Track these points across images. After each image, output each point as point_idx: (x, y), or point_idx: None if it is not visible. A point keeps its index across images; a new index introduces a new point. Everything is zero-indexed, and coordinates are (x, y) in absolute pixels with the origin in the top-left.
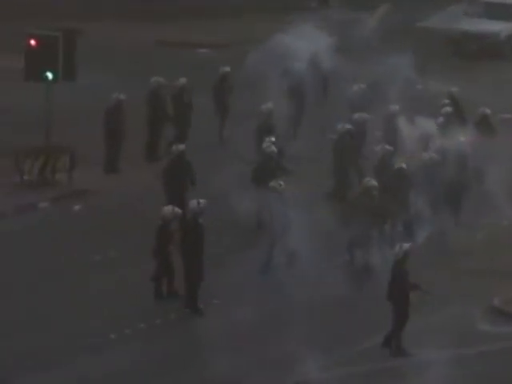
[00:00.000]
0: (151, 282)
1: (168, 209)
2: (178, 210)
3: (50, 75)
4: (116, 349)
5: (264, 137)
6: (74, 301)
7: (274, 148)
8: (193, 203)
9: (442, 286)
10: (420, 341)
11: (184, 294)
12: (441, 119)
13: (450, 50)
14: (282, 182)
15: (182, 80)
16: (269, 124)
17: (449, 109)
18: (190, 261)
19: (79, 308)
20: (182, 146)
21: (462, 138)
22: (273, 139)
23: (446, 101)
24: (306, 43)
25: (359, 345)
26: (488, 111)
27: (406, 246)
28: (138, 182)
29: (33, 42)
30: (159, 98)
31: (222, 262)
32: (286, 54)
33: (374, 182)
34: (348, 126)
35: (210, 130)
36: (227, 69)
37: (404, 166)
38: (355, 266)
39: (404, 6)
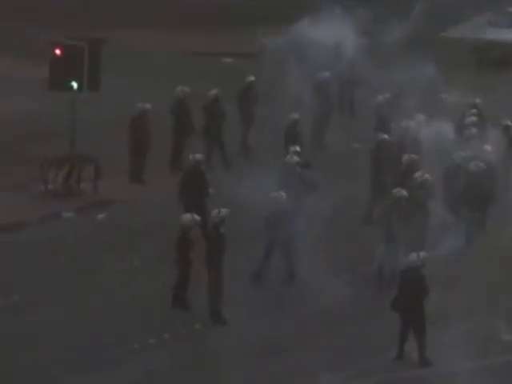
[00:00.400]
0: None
1: (187, 216)
2: (197, 217)
3: (74, 85)
4: (139, 359)
5: (289, 147)
6: (98, 310)
7: (296, 158)
8: (214, 212)
9: (465, 297)
10: (444, 351)
11: (208, 304)
12: (470, 129)
13: (474, 59)
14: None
15: (214, 91)
16: (294, 134)
17: (474, 118)
18: (213, 271)
19: (103, 318)
20: (198, 156)
21: (489, 147)
22: (297, 148)
23: (473, 110)
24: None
25: (384, 355)
26: (510, 122)
27: (423, 253)
28: (162, 192)
29: (58, 51)
30: (184, 108)
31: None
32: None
33: (404, 193)
34: (385, 136)
35: (236, 139)
36: (252, 78)
37: (428, 176)
38: (382, 275)
39: (428, 15)
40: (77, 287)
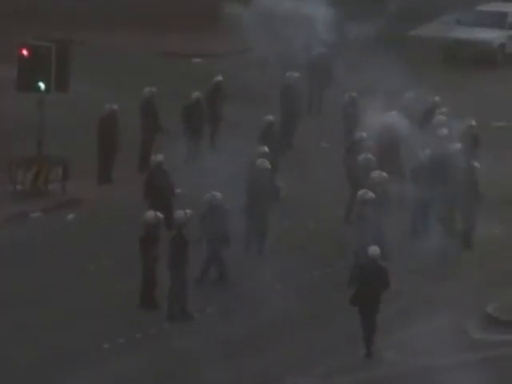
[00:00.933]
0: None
1: (150, 213)
2: (160, 214)
3: (42, 86)
4: (110, 359)
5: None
6: (67, 311)
7: (267, 164)
8: (179, 213)
9: (435, 293)
10: (412, 349)
11: (167, 305)
12: (441, 129)
13: (443, 58)
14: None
15: (196, 93)
16: (269, 136)
17: (444, 118)
18: (175, 272)
19: (73, 318)
20: (159, 157)
21: (459, 145)
22: (266, 149)
23: (442, 109)
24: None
25: (352, 354)
26: (473, 122)
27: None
28: (131, 193)
29: (25, 52)
30: (152, 108)
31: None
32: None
33: (372, 195)
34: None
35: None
36: (220, 78)
37: (385, 176)
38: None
39: (395, 14)
40: (45, 288)
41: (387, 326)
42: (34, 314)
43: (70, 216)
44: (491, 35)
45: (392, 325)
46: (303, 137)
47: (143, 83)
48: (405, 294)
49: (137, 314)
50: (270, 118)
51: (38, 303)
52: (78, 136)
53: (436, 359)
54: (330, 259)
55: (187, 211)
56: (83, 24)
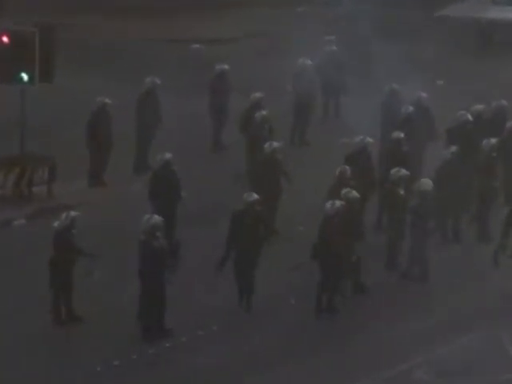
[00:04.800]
0: (135, 304)
1: (157, 218)
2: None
3: (24, 77)
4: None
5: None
6: (53, 328)
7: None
8: (145, 218)
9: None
10: (442, 368)
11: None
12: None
13: (475, 41)
14: None
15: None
16: (264, 133)
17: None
18: (148, 284)
19: (60, 336)
20: (168, 155)
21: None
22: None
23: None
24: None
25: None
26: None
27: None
28: (125, 197)
29: (5, 39)
30: (153, 101)
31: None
32: None
33: (355, 193)
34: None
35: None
36: (225, 66)
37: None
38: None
39: None
40: (29, 301)
41: (415, 343)
42: (14, 330)
43: (56, 223)
44: None
45: (420, 341)
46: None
47: (137, 73)
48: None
49: (132, 331)
50: (263, 112)
51: (18, 318)
52: (65, 133)
53: (471, 379)
54: None
55: (155, 216)
56: (69, 8)
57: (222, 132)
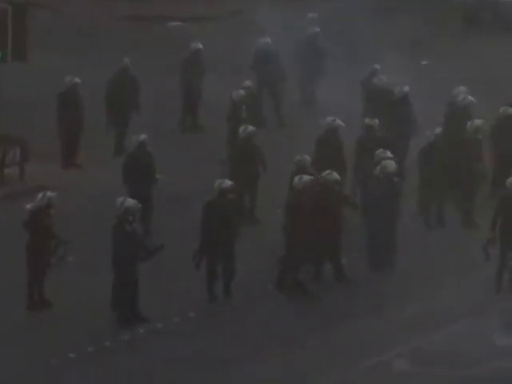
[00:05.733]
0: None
1: (130, 201)
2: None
3: None
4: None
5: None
6: (26, 314)
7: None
8: (118, 202)
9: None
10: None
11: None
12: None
13: (460, 20)
14: None
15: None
16: (240, 114)
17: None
18: (118, 273)
19: (32, 323)
20: (142, 136)
21: None
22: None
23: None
24: None
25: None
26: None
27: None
28: (100, 180)
29: None
30: (130, 81)
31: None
32: None
33: (336, 176)
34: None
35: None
36: (199, 46)
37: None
38: None
39: None
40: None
41: (399, 332)
42: None
43: (29, 205)
44: None
45: (403, 331)
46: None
47: (113, 52)
48: (421, 298)
49: (105, 318)
50: (241, 92)
51: None
52: (38, 112)
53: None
54: None
55: (129, 199)
56: None
57: (197, 113)
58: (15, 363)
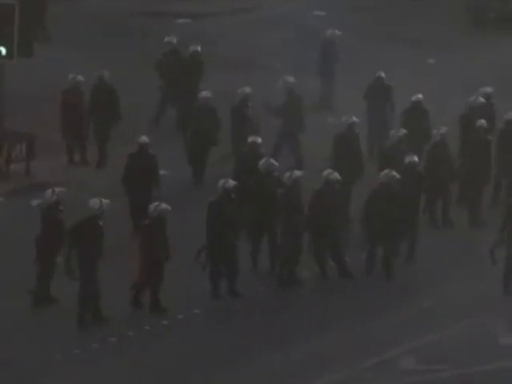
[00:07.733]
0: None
1: (94, 201)
2: (105, 202)
3: (2, 50)
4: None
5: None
6: (27, 311)
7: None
8: (94, 203)
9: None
10: (432, 356)
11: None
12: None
13: (468, 17)
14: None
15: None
16: (246, 113)
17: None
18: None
19: (33, 320)
20: (144, 138)
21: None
22: (258, 140)
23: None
24: None
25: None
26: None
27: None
28: (107, 176)
29: None
30: (105, 93)
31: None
32: None
33: (337, 175)
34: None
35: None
36: (197, 48)
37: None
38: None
39: None
40: (6, 283)
41: (404, 330)
42: None
43: (35, 201)
44: None
45: (407, 329)
46: None
47: (121, 48)
48: (426, 296)
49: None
50: (247, 89)
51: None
52: (44, 108)
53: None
54: None
55: (104, 201)
56: None
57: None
58: (20, 359)
